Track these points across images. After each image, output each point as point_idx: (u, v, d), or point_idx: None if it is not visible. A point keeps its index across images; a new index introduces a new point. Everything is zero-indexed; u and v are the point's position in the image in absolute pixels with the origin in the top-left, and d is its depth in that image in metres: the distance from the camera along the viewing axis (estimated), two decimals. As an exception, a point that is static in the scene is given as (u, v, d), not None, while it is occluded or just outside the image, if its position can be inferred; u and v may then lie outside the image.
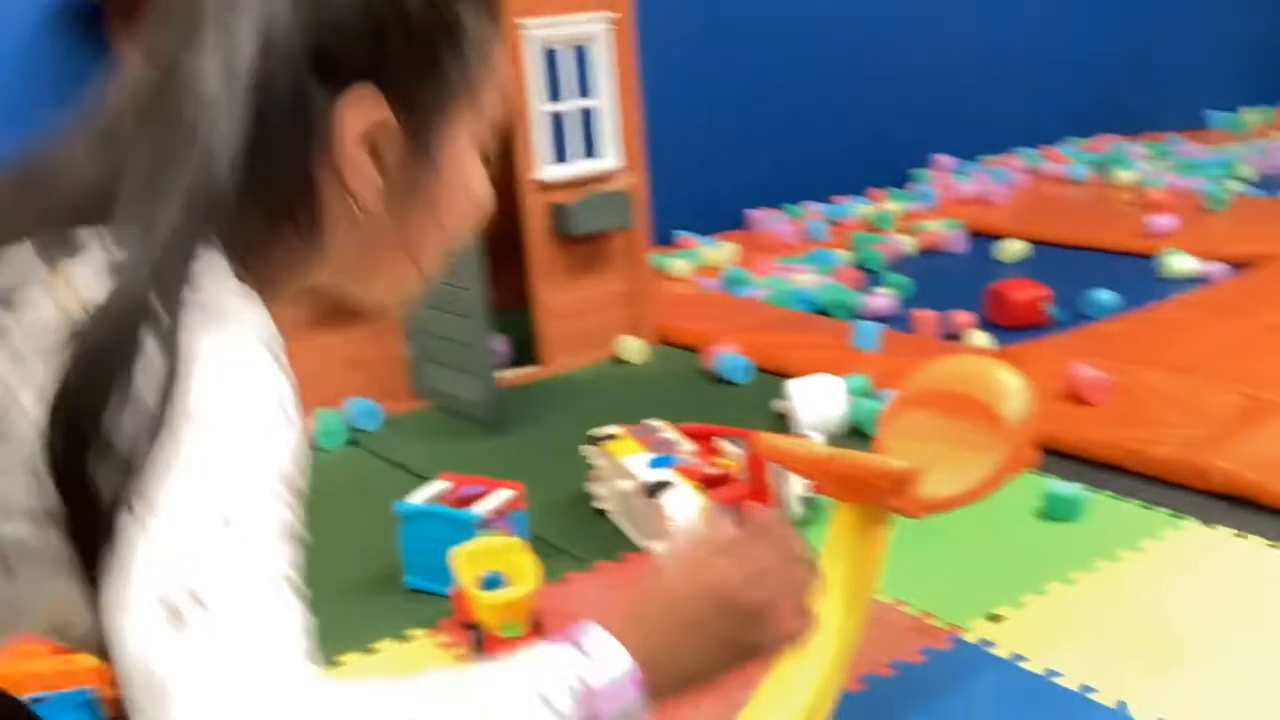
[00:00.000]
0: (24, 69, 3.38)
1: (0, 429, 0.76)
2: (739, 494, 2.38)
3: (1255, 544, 2.34)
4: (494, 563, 2.07)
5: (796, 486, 2.45)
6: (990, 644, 2.04)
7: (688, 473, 2.44)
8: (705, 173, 5.27)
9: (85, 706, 1.76)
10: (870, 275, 4.61)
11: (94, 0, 3.29)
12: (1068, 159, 6.27)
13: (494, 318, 3.34)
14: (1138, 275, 4.35)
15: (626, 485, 2.51)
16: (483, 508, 2.32)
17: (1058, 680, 1.92)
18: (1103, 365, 3.22)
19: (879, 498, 1.60)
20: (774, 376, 3.48)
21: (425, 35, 0.85)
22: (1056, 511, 2.48)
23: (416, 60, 0.86)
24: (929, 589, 2.21)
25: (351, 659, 2.04)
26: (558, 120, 3.55)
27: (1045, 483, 2.59)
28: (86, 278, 0.76)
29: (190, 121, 0.78)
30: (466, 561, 2.07)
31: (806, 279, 4.49)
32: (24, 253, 0.78)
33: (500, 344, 3.64)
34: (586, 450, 2.73)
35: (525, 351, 3.67)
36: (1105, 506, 2.55)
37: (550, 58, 3.49)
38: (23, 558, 0.79)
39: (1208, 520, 2.46)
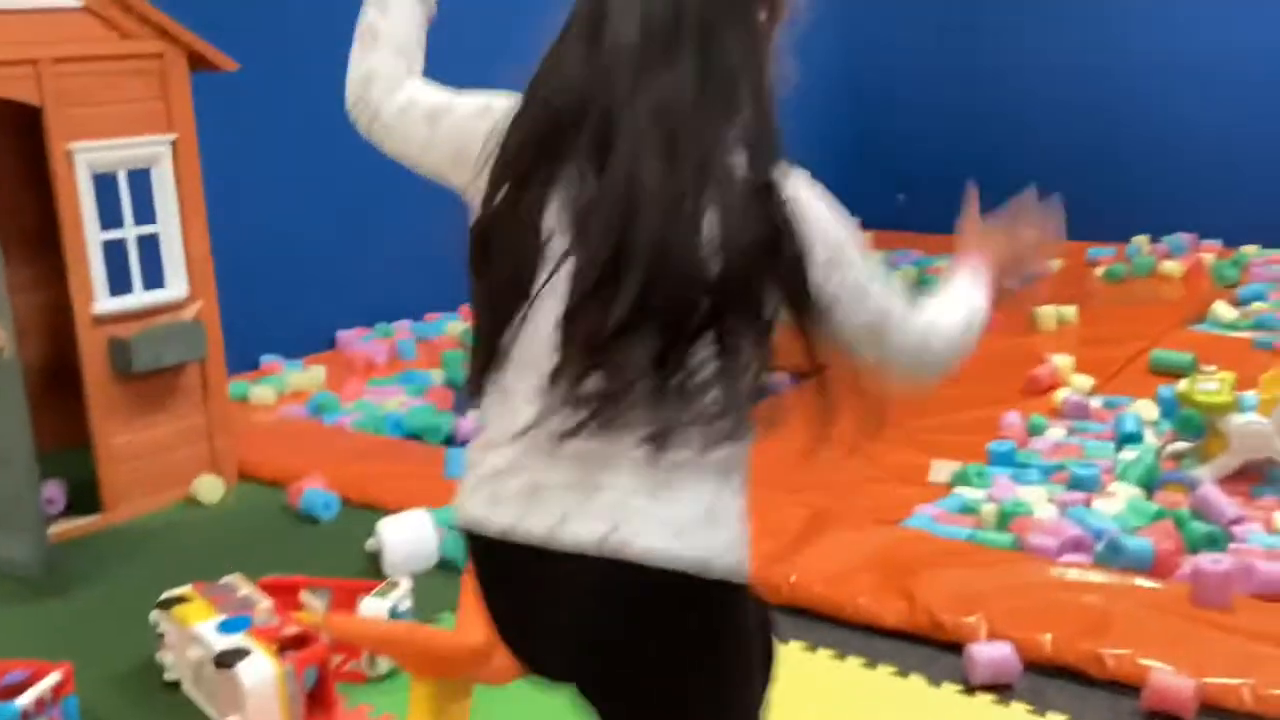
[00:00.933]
0: None
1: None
2: (320, 654, 2.25)
3: (822, 657, 2.47)
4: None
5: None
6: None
7: (264, 634, 2.28)
8: (294, 293, 5.09)
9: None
10: (461, 395, 4.60)
11: None
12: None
13: (45, 461, 3.02)
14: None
15: (197, 654, 2.31)
16: (25, 699, 2.05)
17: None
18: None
19: (458, 671, 1.54)
20: (364, 511, 3.37)
21: None
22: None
23: None
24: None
25: None
26: (117, 248, 3.29)
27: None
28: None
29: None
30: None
31: (397, 402, 4.40)
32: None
33: (53, 491, 3.29)
34: (154, 615, 2.49)
35: (85, 498, 3.34)
36: (690, 629, 2.61)
37: (106, 182, 3.25)
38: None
39: (781, 635, 2.57)
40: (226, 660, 2.17)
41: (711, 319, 1.18)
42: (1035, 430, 3.78)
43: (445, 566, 2.96)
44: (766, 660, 1.43)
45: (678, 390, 1.19)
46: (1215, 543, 2.83)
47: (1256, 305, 5.23)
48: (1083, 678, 2.34)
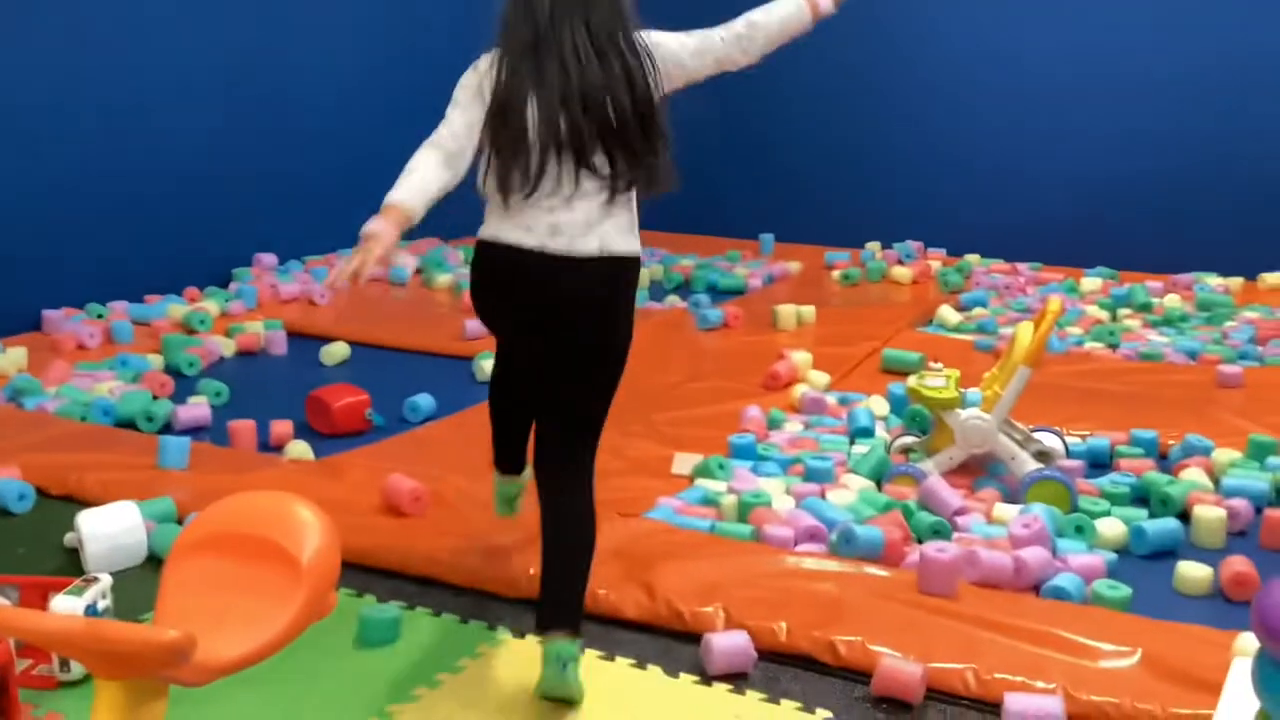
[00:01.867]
0: None
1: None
2: (1, 656, 2.00)
3: (561, 651, 2.39)
4: None
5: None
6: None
7: (-67, 639, 2.00)
8: (-8, 269, 4.66)
9: None
10: (182, 381, 4.29)
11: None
12: (391, 260, 6.36)
13: None
14: (456, 379, 4.46)
15: None
16: None
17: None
18: (422, 473, 3.21)
19: (150, 670, 1.37)
20: (64, 503, 3.08)
21: None
22: (372, 637, 2.38)
23: None
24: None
25: None
26: None
27: (362, 606, 2.49)
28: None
29: None
30: None
31: (107, 387, 4.06)
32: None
33: None
34: None
35: None
36: (423, 625, 2.49)
37: None
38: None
39: (518, 629, 2.48)
40: (-117, 668, 1.90)
41: (617, 131, 2.32)
42: (774, 424, 3.84)
43: (155, 562, 2.72)
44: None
45: (613, 168, 2.33)
46: (940, 533, 2.92)
47: (978, 310, 5.52)
48: (816, 664, 2.35)
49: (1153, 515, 3.12)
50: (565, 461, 2.42)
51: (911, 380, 3.39)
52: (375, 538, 2.81)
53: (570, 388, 2.40)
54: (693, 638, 2.42)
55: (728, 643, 2.32)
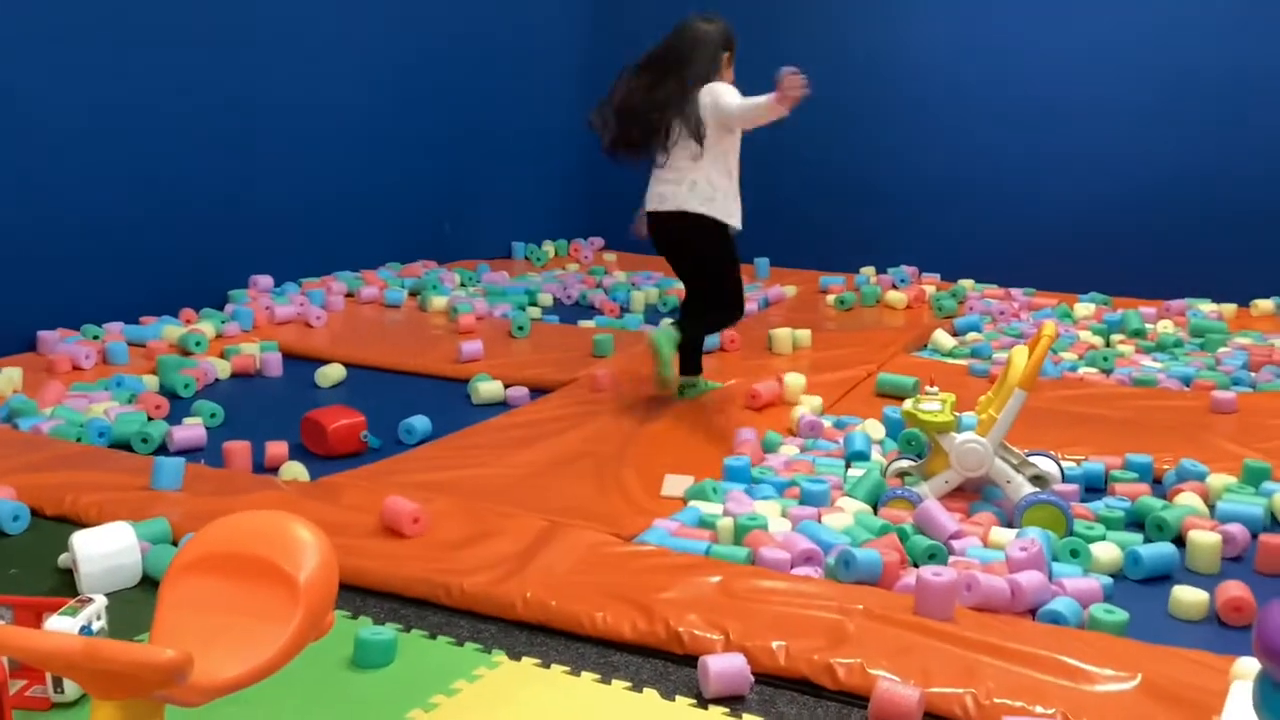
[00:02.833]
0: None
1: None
2: (-5, 679, 1.99)
3: (556, 674, 2.39)
4: None
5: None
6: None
7: (-74, 660, 1.99)
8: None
9: None
10: (178, 402, 4.29)
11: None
12: (386, 283, 6.38)
13: None
14: (450, 400, 4.46)
15: None
16: None
17: None
18: (417, 494, 3.21)
19: (147, 690, 1.36)
20: (59, 524, 3.07)
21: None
22: (367, 659, 2.36)
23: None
24: (227, 767, 1.97)
25: None
26: None
27: (357, 627, 2.48)
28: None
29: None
30: None
31: (103, 408, 4.06)
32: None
33: None
34: None
35: None
36: (418, 647, 2.48)
37: None
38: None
39: (514, 652, 2.48)
40: (-125, 689, 1.89)
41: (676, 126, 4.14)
42: (770, 447, 3.84)
43: (150, 584, 2.71)
44: (737, 278, 4.29)
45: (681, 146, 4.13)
46: (936, 556, 2.92)
47: (972, 335, 5.53)
48: (813, 688, 2.34)
49: (1148, 540, 3.12)
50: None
51: (907, 404, 3.39)
52: (371, 559, 2.80)
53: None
54: (689, 660, 2.42)
55: (724, 665, 2.31)
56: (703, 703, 2.30)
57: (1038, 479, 3.33)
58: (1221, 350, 5.30)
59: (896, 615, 2.53)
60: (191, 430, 3.84)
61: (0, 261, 4.75)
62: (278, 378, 4.79)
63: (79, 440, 3.78)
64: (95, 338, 4.94)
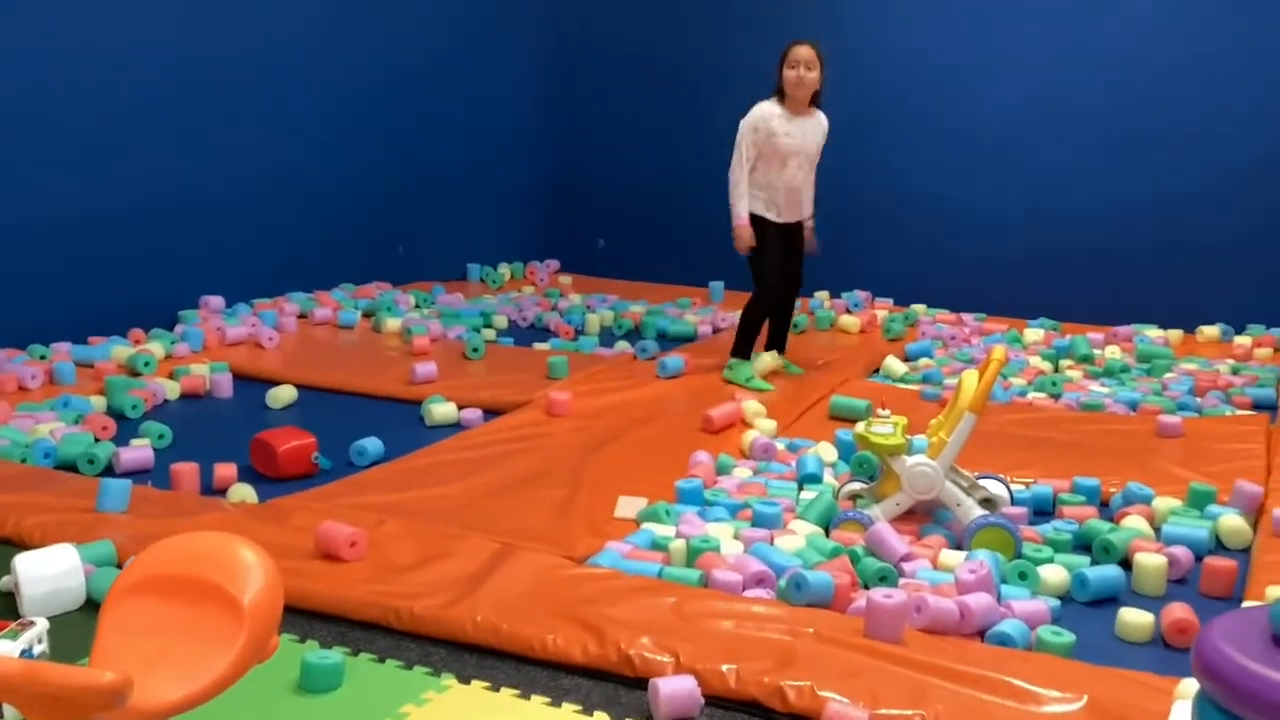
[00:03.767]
0: None
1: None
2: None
3: (505, 697, 2.37)
4: None
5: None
6: None
7: None
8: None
9: None
10: (126, 424, 4.23)
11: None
12: (340, 304, 6.34)
13: None
14: (403, 422, 4.44)
15: None
16: None
17: None
18: (368, 517, 3.19)
19: (87, 715, 1.34)
20: (1, 546, 3.02)
21: None
22: (314, 683, 2.34)
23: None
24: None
25: None
26: None
27: (304, 651, 2.45)
28: None
29: None
30: None
31: (49, 429, 4.00)
32: None
33: None
34: None
35: None
36: (366, 671, 2.46)
37: None
38: None
39: (464, 675, 2.46)
40: None
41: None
42: (723, 469, 3.85)
43: (94, 607, 2.67)
44: (760, 268, 5.15)
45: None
46: (887, 579, 2.93)
47: (924, 360, 5.58)
48: (764, 710, 2.34)
49: (1095, 562, 3.15)
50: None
51: (859, 427, 3.41)
52: (319, 582, 2.78)
53: None
54: (640, 683, 2.41)
55: (675, 688, 2.31)
56: (653, 726, 2.29)
57: (987, 502, 3.36)
58: (1167, 376, 5.38)
59: (847, 637, 2.54)
60: (139, 452, 3.80)
61: (-56, 280, 4.68)
62: (228, 399, 4.75)
63: (23, 461, 3.72)
64: (42, 358, 4.87)
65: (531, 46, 8.01)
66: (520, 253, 8.06)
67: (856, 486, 3.51)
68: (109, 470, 3.75)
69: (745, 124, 4.91)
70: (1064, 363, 5.61)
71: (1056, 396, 4.99)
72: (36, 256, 5.05)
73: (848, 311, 6.63)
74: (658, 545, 3.13)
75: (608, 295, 7.10)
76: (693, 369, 5.15)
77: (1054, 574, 3.00)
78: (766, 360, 5.10)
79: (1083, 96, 6.71)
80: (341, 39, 6.58)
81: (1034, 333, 6.15)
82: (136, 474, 3.72)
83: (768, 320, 5.17)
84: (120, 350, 4.98)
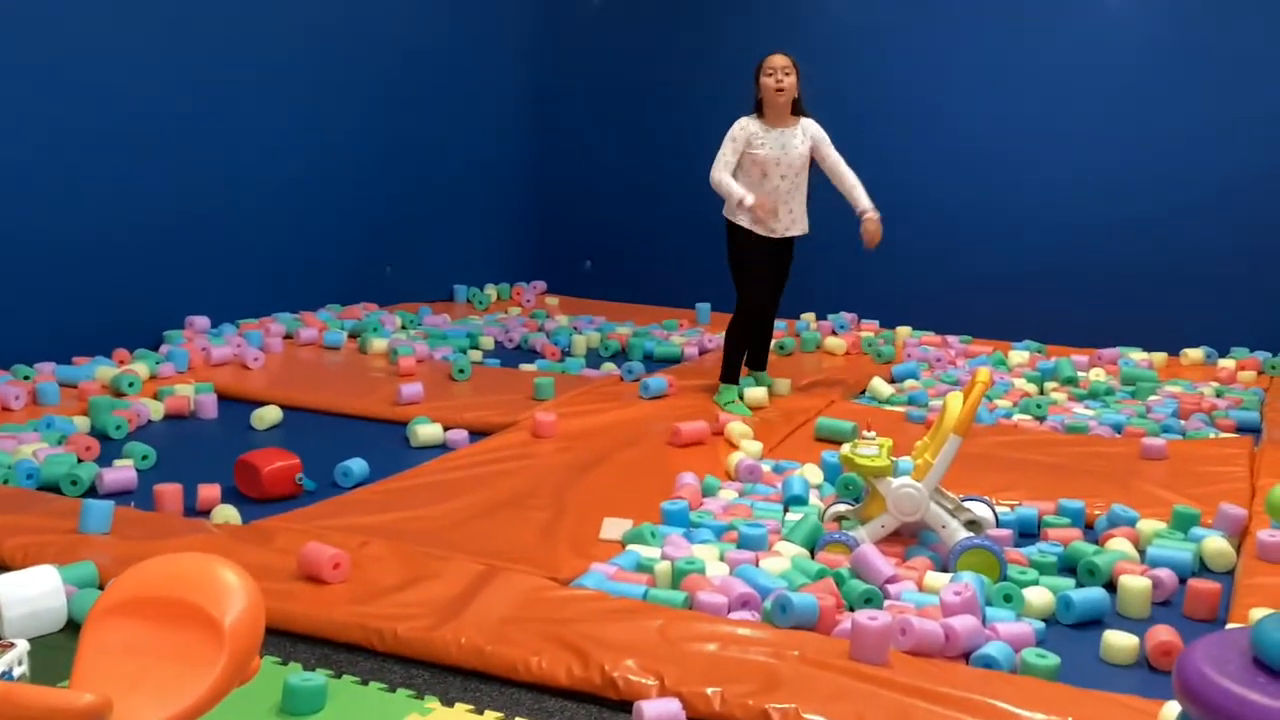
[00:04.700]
0: None
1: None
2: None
3: (490, 719, 2.36)
4: None
5: None
6: None
7: None
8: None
9: None
10: (109, 444, 4.22)
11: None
12: (326, 325, 6.33)
13: None
14: (389, 443, 4.43)
15: None
16: None
17: None
18: (352, 538, 3.17)
19: (65, 737, 1.33)
20: (-19, 568, 3.00)
21: None
22: (296, 706, 2.32)
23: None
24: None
25: None
26: None
27: (286, 673, 2.44)
28: None
29: None
30: None
31: (31, 449, 3.98)
32: None
33: None
34: None
35: None
36: (349, 693, 2.44)
37: None
38: None
39: (447, 698, 2.45)
40: None
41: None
42: (709, 491, 3.85)
43: (75, 629, 2.65)
44: (743, 282, 5.21)
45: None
46: (872, 601, 2.93)
47: (909, 382, 5.59)
48: (749, 734, 2.33)
49: (1080, 584, 3.16)
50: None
51: (845, 449, 3.42)
52: (301, 604, 2.77)
53: None
54: (625, 706, 2.40)
55: (659, 711, 2.30)
56: (637, 748, 2.28)
57: (972, 524, 3.36)
58: (1152, 398, 5.40)
59: (832, 660, 2.54)
60: (122, 473, 3.78)
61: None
62: (213, 419, 4.73)
63: (6, 482, 3.70)
64: (26, 378, 4.85)
65: (518, 69, 8.03)
66: (507, 274, 8.06)
67: (842, 508, 3.52)
68: (92, 491, 3.73)
69: (728, 132, 4.94)
70: (1049, 385, 5.63)
71: (1041, 419, 5.01)
72: (20, 276, 5.03)
73: (833, 333, 6.64)
74: (643, 567, 3.13)
75: (594, 317, 7.10)
76: (677, 390, 5.15)
77: (1039, 596, 3.00)
78: (760, 395, 5.01)
79: (1067, 121, 6.76)
80: (328, 62, 6.59)
81: (1019, 355, 6.18)
82: (120, 495, 3.70)
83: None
84: (104, 370, 4.96)
